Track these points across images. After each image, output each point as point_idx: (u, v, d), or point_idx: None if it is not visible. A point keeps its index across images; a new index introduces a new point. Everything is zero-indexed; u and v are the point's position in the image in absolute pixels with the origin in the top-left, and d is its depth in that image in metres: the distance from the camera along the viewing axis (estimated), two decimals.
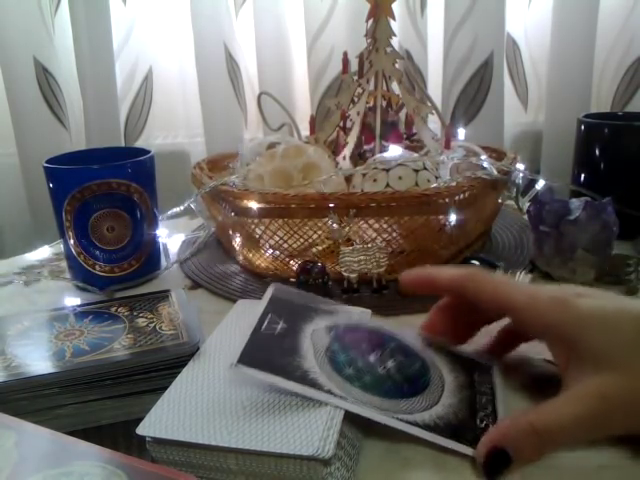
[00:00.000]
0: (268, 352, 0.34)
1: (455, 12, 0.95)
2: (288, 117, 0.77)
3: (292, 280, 0.55)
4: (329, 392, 0.32)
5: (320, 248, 0.56)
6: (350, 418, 0.32)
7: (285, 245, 0.56)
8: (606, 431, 0.31)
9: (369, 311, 0.44)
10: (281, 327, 0.37)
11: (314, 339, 0.37)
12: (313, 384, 0.33)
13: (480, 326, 0.41)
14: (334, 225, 0.51)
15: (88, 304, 0.48)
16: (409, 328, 0.41)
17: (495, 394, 0.36)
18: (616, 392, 0.30)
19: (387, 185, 0.55)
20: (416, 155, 0.62)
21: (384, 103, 0.68)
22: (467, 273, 0.37)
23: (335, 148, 0.69)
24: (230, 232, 0.61)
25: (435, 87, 1.01)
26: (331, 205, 0.51)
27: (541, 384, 0.39)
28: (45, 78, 0.93)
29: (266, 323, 0.37)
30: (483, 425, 0.34)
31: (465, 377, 0.38)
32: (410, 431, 0.32)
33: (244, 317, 0.44)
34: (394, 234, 0.54)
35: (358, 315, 0.42)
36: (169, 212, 0.65)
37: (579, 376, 0.31)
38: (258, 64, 1.00)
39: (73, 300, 0.55)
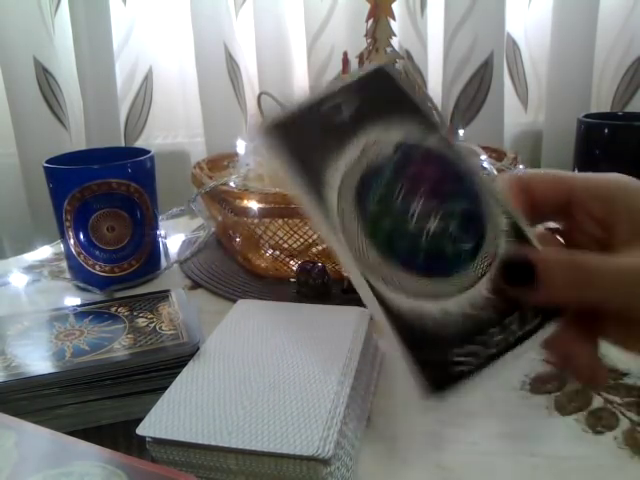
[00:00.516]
0: (307, 136, 0.25)
1: (455, 12, 0.95)
2: None
3: (292, 280, 0.55)
4: (321, 214, 0.24)
5: (320, 248, 0.56)
6: (350, 418, 0.32)
7: (285, 245, 0.56)
8: None
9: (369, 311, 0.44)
10: (344, 116, 0.26)
11: (372, 148, 0.26)
12: (317, 198, 0.24)
13: None
14: None
15: (88, 304, 0.48)
16: (511, 204, 0.27)
17: (517, 343, 0.25)
18: None
19: None
20: None
21: None
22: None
23: None
24: (230, 232, 0.61)
25: (435, 87, 1.01)
26: None
27: (531, 385, 0.39)
28: (45, 78, 0.93)
29: (330, 105, 0.26)
30: (457, 360, 0.24)
31: (510, 301, 0.25)
32: (370, 302, 0.24)
33: (244, 317, 0.44)
34: None
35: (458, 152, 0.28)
36: (169, 212, 0.65)
37: (630, 238, 0.27)
38: (258, 64, 1.00)
39: (73, 300, 0.55)
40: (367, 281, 0.24)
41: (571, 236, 0.29)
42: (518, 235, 0.26)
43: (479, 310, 0.25)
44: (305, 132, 0.26)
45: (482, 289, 0.25)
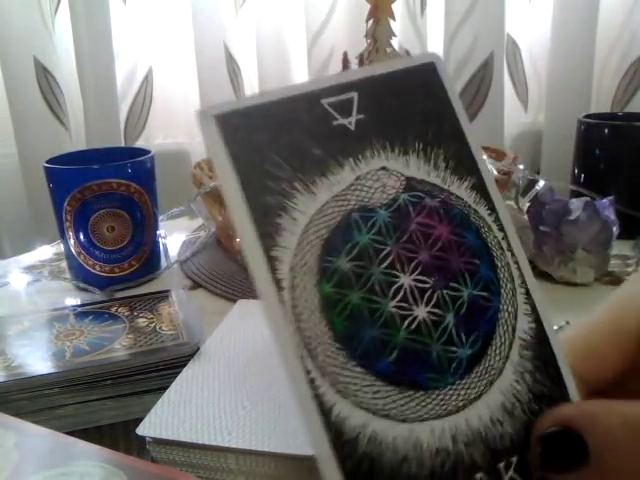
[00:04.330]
0: (284, 135, 0.18)
1: (455, 12, 0.95)
2: None
3: None
4: (271, 262, 0.17)
5: None
6: None
7: None
8: None
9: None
10: (349, 123, 0.19)
11: (366, 180, 0.18)
12: (267, 232, 0.17)
13: None
14: None
15: (88, 304, 0.48)
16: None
17: None
18: None
19: None
20: None
21: None
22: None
23: None
24: (230, 232, 0.61)
25: None
26: None
27: None
28: (45, 78, 0.93)
29: (334, 98, 0.19)
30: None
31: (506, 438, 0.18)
32: (301, 412, 0.18)
33: (244, 317, 0.44)
34: None
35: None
36: (169, 212, 0.65)
37: None
38: (258, 64, 1.00)
39: (73, 300, 0.55)
40: (307, 372, 0.17)
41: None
42: (544, 355, 0.19)
43: (462, 445, 0.18)
44: (279, 130, 0.18)
45: (472, 416, 0.18)
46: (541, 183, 0.63)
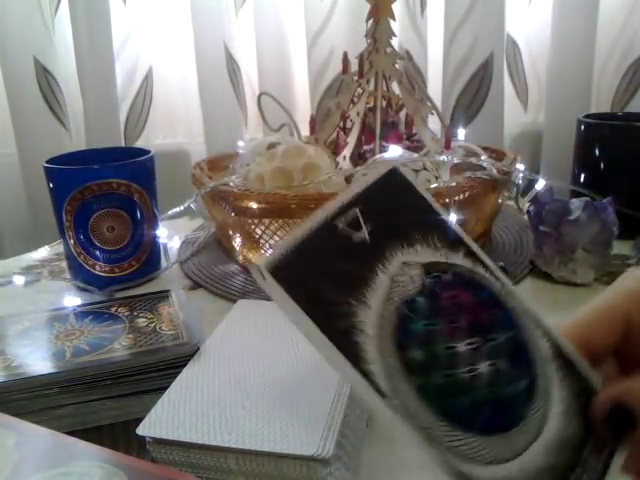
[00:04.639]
0: (323, 269, 0.21)
1: (455, 12, 0.95)
2: (288, 117, 0.77)
3: None
4: (368, 376, 0.20)
5: None
6: (350, 418, 0.32)
7: None
8: None
9: None
10: (364, 235, 0.22)
11: (397, 277, 0.22)
12: (352, 353, 0.20)
13: None
14: None
15: (88, 304, 0.48)
16: (544, 317, 0.25)
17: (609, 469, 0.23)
18: None
19: None
20: (416, 155, 0.62)
21: (384, 103, 0.68)
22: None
23: (335, 148, 0.69)
24: (230, 232, 0.61)
25: (435, 87, 1.01)
26: None
27: None
28: (45, 78, 0.93)
29: (346, 218, 0.22)
30: None
31: (579, 432, 0.23)
32: None
33: (244, 317, 0.44)
34: None
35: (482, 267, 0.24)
36: (169, 212, 0.65)
37: None
38: (258, 64, 1.00)
39: (73, 300, 0.55)
40: (441, 457, 0.20)
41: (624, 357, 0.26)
42: (563, 358, 0.24)
43: (556, 455, 0.22)
44: (318, 263, 0.21)
45: (551, 431, 0.22)
46: (541, 183, 0.63)
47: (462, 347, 0.22)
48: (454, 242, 0.24)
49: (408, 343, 0.21)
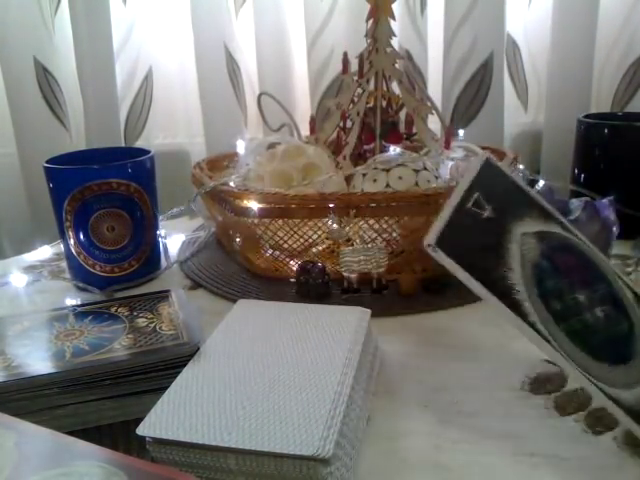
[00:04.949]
0: (470, 240, 0.28)
1: (455, 12, 0.95)
2: (288, 117, 0.77)
3: (292, 280, 0.55)
4: (533, 326, 0.26)
5: (320, 248, 0.56)
6: (350, 418, 0.32)
7: (285, 245, 0.56)
8: None
9: (369, 311, 0.44)
10: (489, 213, 0.29)
11: (523, 246, 0.29)
12: (516, 308, 0.27)
13: None
14: (334, 225, 0.52)
15: (88, 304, 0.48)
16: (614, 270, 0.32)
17: None
18: None
19: (387, 185, 0.55)
20: (416, 155, 0.62)
21: (384, 103, 0.68)
22: None
23: (335, 148, 0.69)
24: (230, 232, 0.61)
25: (435, 87, 1.01)
26: (331, 205, 0.51)
27: (530, 385, 0.39)
28: (45, 78, 0.93)
29: (472, 200, 0.29)
30: None
31: None
32: (617, 415, 0.26)
33: (244, 317, 0.44)
34: (394, 234, 0.54)
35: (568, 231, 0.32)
36: (169, 212, 0.65)
37: None
38: (258, 64, 1.00)
39: (73, 300, 0.55)
40: (594, 384, 0.26)
41: None
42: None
43: None
44: (467, 234, 0.28)
45: None
46: (541, 183, 0.63)
47: (581, 297, 0.28)
48: (547, 214, 0.31)
49: (548, 297, 0.27)
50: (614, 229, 0.54)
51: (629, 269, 0.55)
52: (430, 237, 0.27)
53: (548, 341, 0.26)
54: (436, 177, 0.57)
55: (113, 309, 0.46)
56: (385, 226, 0.53)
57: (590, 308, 0.28)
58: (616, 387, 0.26)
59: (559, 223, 0.31)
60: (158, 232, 0.62)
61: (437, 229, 0.27)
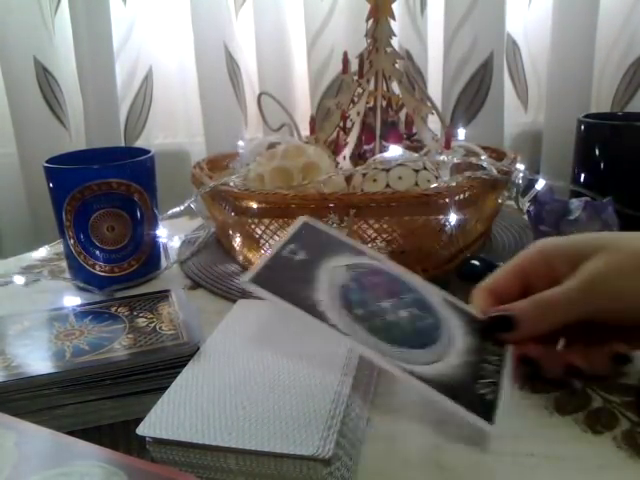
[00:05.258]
0: (283, 276, 0.34)
1: (455, 12, 0.95)
2: (288, 117, 0.77)
3: None
4: (334, 327, 0.32)
5: None
6: (350, 417, 0.32)
7: None
8: (593, 305, 0.35)
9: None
10: (302, 256, 0.36)
11: (332, 274, 0.35)
12: (320, 316, 0.32)
13: None
14: (334, 225, 0.52)
15: (88, 304, 0.48)
16: (434, 286, 0.39)
17: (503, 366, 0.35)
18: (597, 267, 0.35)
19: (387, 185, 0.55)
20: (416, 155, 0.62)
21: (384, 103, 0.68)
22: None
23: (335, 148, 0.69)
24: (230, 232, 0.61)
25: (435, 87, 1.01)
26: (331, 205, 0.51)
27: (530, 385, 0.39)
28: (45, 78, 0.93)
29: (288, 249, 0.36)
30: (482, 392, 0.32)
31: (477, 343, 0.36)
32: (409, 381, 0.31)
33: (244, 317, 0.44)
34: (394, 234, 0.54)
35: (384, 262, 0.39)
36: (169, 212, 0.65)
37: (566, 272, 0.36)
38: (258, 64, 1.00)
39: (73, 300, 0.55)
40: (397, 366, 0.32)
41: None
42: (449, 303, 0.38)
43: (466, 356, 0.34)
44: (280, 272, 0.34)
45: (459, 344, 0.35)
46: (541, 183, 0.63)
47: (385, 304, 0.35)
48: (359, 251, 0.39)
49: (352, 306, 0.34)
50: (614, 229, 0.54)
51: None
52: (247, 275, 0.32)
53: (347, 335, 0.31)
54: (436, 177, 0.57)
55: (113, 309, 0.46)
56: (385, 226, 0.53)
57: (394, 311, 0.35)
58: (416, 364, 0.32)
59: (371, 257, 0.38)
60: (158, 232, 0.62)
61: (255, 270, 0.32)
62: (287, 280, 0.33)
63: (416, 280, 0.39)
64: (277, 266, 0.34)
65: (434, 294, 0.38)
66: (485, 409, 0.31)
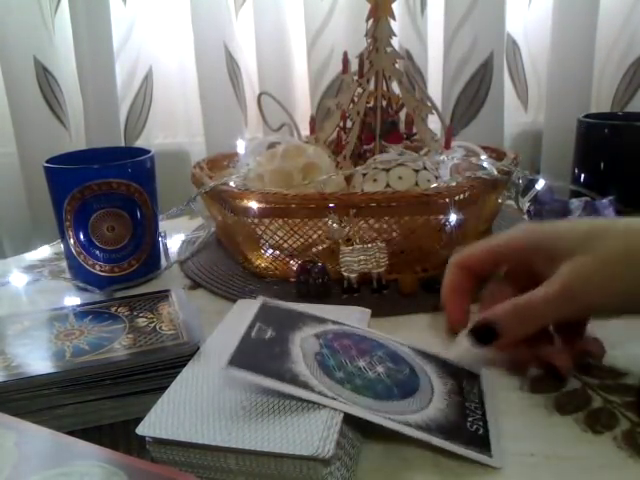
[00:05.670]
0: (258, 356, 0.35)
1: (455, 12, 0.95)
2: (288, 117, 0.77)
3: (292, 280, 0.55)
4: (320, 393, 0.32)
5: (320, 248, 0.56)
6: (350, 418, 0.32)
7: (285, 245, 0.56)
8: (573, 306, 0.36)
9: (369, 311, 0.44)
10: (270, 334, 0.37)
11: (303, 346, 0.37)
12: (305, 386, 0.33)
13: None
14: (334, 225, 0.52)
15: (88, 304, 0.48)
16: (396, 338, 0.41)
17: (484, 400, 0.37)
18: (576, 270, 0.36)
19: (387, 185, 0.55)
20: (416, 155, 0.62)
21: (384, 103, 0.68)
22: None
23: (335, 148, 0.69)
24: (230, 232, 0.61)
25: (435, 87, 1.01)
26: (331, 205, 0.51)
27: (531, 385, 0.39)
28: (45, 78, 0.93)
29: (255, 330, 0.37)
30: (474, 428, 0.34)
31: (454, 384, 0.38)
32: (403, 431, 0.32)
33: (244, 317, 0.44)
34: (394, 234, 0.54)
35: (349, 319, 0.42)
36: (169, 212, 0.65)
37: (553, 272, 0.37)
38: (258, 64, 1.00)
39: (73, 300, 0.55)
40: (391, 419, 0.33)
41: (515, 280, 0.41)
42: (419, 352, 0.41)
43: (453, 396, 0.37)
44: (255, 353, 0.35)
45: (439, 387, 0.37)
46: (541, 183, 0.63)
47: (361, 363, 0.37)
48: (321, 320, 0.41)
49: (331, 371, 0.35)
50: None
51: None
52: (223, 361, 0.33)
53: (334, 399, 0.32)
54: (436, 177, 0.57)
55: (113, 309, 0.46)
56: (385, 226, 0.53)
57: (371, 368, 0.36)
58: (406, 414, 0.33)
59: (333, 322, 0.41)
60: (158, 232, 0.62)
61: (229, 354, 0.34)
62: (264, 358, 0.35)
63: (381, 336, 0.41)
64: (250, 348, 0.35)
65: (401, 346, 0.41)
66: (481, 443, 0.33)
